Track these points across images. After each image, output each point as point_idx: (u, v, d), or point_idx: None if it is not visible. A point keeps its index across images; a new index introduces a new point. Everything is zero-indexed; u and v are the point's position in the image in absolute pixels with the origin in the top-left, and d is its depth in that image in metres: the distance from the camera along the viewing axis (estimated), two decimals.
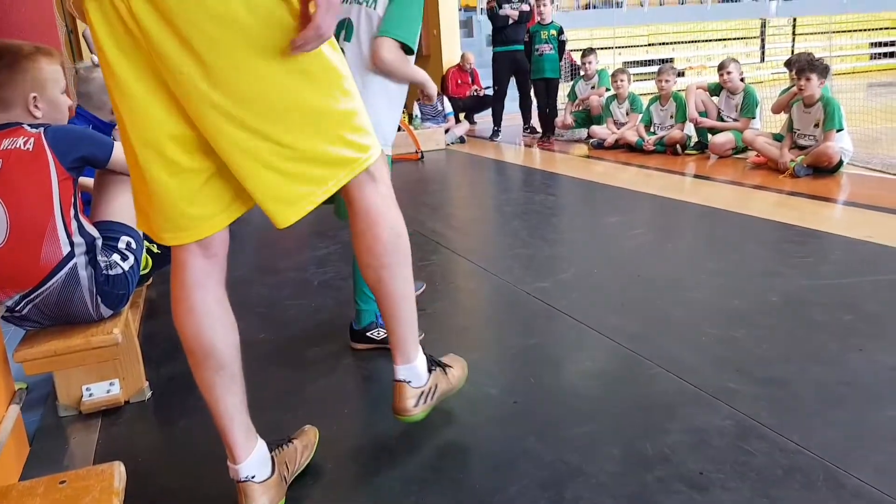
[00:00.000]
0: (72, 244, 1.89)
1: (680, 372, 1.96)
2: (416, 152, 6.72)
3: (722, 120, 5.48)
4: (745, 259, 3.04)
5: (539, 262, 3.16)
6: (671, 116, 5.77)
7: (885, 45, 14.12)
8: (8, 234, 1.80)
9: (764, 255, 3.13)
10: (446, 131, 7.56)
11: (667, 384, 1.92)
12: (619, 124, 6.32)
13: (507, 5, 7.07)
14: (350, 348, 2.30)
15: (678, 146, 5.63)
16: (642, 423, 1.73)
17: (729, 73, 5.35)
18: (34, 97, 1.93)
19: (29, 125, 1.89)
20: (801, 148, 4.58)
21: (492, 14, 7.26)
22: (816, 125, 4.50)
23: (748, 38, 13.58)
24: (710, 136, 5.50)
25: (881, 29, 14.26)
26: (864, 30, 13.98)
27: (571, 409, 1.85)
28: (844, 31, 13.66)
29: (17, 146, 1.83)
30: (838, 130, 4.36)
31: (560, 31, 6.69)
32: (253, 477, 1.42)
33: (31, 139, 1.84)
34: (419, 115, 7.75)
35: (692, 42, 13.03)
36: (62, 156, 1.85)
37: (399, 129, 6.94)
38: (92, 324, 1.99)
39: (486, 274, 3.05)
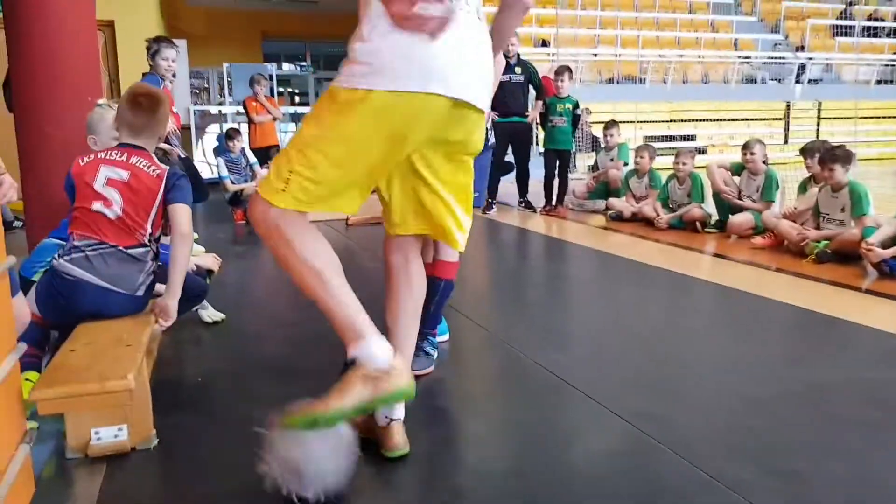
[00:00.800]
0: (150, 242, 2.48)
1: (693, 459, 1.89)
2: None
3: (741, 199, 5.48)
4: (766, 344, 2.97)
5: (552, 333, 3.12)
6: (688, 195, 5.78)
7: None
8: (120, 215, 2.42)
9: (785, 340, 3.07)
10: None
11: (679, 470, 1.85)
12: (638, 198, 6.35)
13: (510, 75, 6.69)
14: None
15: (698, 223, 5.62)
16: None
17: (753, 153, 5.37)
18: (159, 137, 2.67)
19: (157, 157, 2.55)
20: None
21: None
22: (843, 210, 4.46)
23: (772, 119, 13.73)
24: (730, 215, 5.48)
25: None
26: (890, 116, 14.12)
27: (577, 490, 1.78)
28: (869, 118, 13.81)
29: (142, 167, 2.47)
30: (867, 215, 4.31)
31: (576, 106, 6.80)
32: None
33: (158, 170, 2.48)
34: None
35: (715, 120, 13.20)
36: (167, 193, 2.49)
37: None
38: (121, 312, 2.40)
39: (498, 342, 3.01)
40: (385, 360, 1.74)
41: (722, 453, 1.93)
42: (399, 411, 1.95)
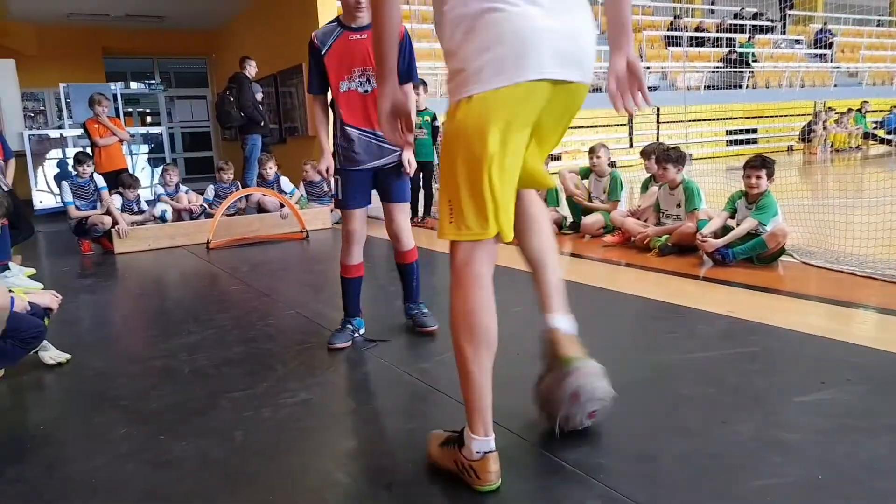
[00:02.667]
0: None
1: (554, 450, 1.98)
2: (302, 231, 6.65)
3: (591, 201, 5.83)
4: (617, 334, 3.16)
5: (421, 342, 3.15)
6: (544, 200, 6.05)
7: (738, 132, 15.75)
8: None
9: (634, 330, 3.28)
10: (332, 210, 7.55)
11: (542, 462, 1.93)
12: None
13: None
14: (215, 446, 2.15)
15: (554, 226, 5.90)
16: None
17: (598, 157, 5.74)
18: None
19: None
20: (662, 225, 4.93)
21: None
22: (679, 205, 4.87)
23: (617, 125, 14.71)
24: (582, 217, 5.81)
25: (733, 118, 15.96)
26: (718, 119, 15.60)
27: (448, 492, 1.80)
28: (701, 120, 15.17)
29: None
30: (698, 210, 4.72)
31: (433, 118, 6.94)
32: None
33: None
34: (305, 196, 7.71)
35: (593, 127, 13.95)
36: None
37: (281, 205, 6.89)
38: None
39: (368, 355, 2.99)
40: (479, 458, 1.80)
41: (581, 442, 2.03)
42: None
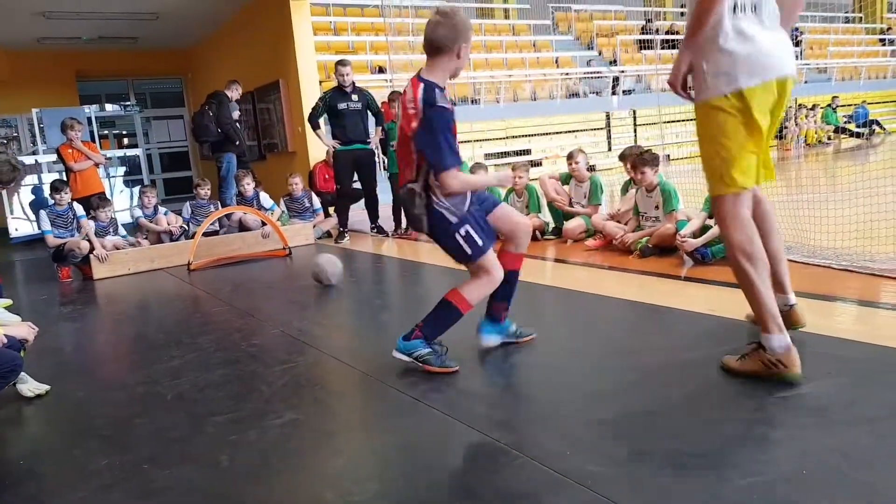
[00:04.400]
0: None
1: (543, 459, 1.97)
2: (284, 248, 6.62)
3: (572, 206, 5.87)
4: (602, 338, 3.18)
5: None
6: (526, 207, 6.10)
7: None
8: None
9: (618, 333, 3.29)
10: (314, 226, 7.53)
11: (532, 472, 1.92)
12: None
13: (347, 103, 6.74)
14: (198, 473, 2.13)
15: (537, 232, 5.92)
16: None
17: (577, 162, 5.78)
18: None
19: None
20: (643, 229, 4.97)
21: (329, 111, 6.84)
22: (657, 207, 4.90)
23: (595, 129, 14.82)
24: (564, 222, 5.84)
25: None
26: (694, 119, 15.75)
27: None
28: (677, 121, 15.32)
29: None
30: (675, 211, 4.77)
31: None
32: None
33: None
34: (286, 212, 7.68)
35: (546, 134, 14.02)
36: None
37: (263, 224, 6.85)
38: None
39: (354, 372, 2.98)
40: (783, 350, 2.35)
41: (569, 449, 2.03)
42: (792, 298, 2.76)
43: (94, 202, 6.74)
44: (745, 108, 2.32)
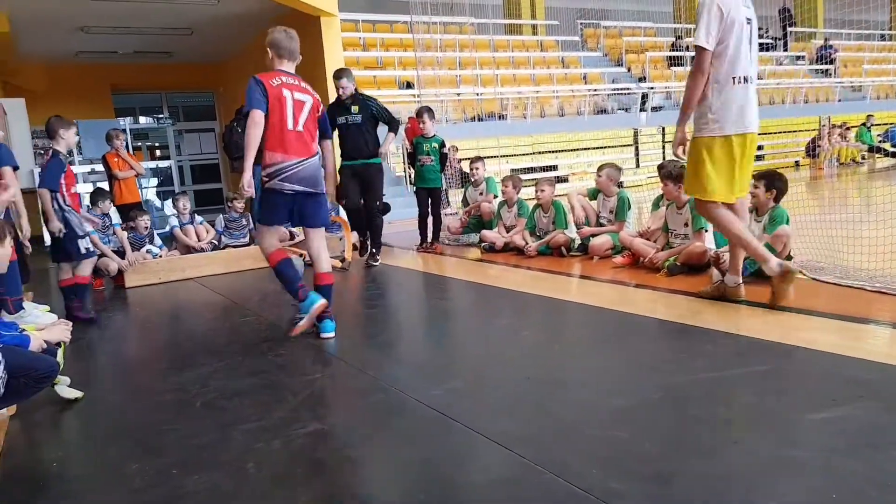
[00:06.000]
0: None
1: (567, 475, 1.97)
2: (302, 256, 6.38)
3: (600, 224, 5.84)
4: (628, 356, 3.16)
5: (431, 369, 3.15)
6: (552, 222, 6.09)
7: None
8: None
9: (644, 351, 3.27)
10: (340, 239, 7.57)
11: (554, 489, 1.91)
12: (508, 228, 6.59)
13: (346, 116, 6.11)
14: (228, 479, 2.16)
15: (563, 248, 5.91)
16: None
17: (599, 176, 5.75)
18: None
19: None
20: (672, 247, 4.92)
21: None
22: (686, 224, 4.85)
23: (623, 145, 14.77)
24: (590, 238, 5.82)
25: None
26: None
27: None
28: None
29: None
30: (705, 230, 4.72)
31: (442, 144, 6.95)
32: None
33: None
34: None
35: (573, 150, 14.01)
36: None
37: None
38: None
39: (378, 384, 2.99)
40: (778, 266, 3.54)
41: (593, 466, 2.03)
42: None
43: (133, 214, 6.90)
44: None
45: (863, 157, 15.92)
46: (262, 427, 2.55)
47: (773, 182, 4.44)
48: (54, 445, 2.70)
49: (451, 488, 2.02)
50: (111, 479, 2.22)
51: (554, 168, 13.28)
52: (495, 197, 7.15)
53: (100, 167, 9.33)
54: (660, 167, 5.48)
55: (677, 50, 17.43)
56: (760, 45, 19.08)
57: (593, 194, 6.01)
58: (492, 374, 3.00)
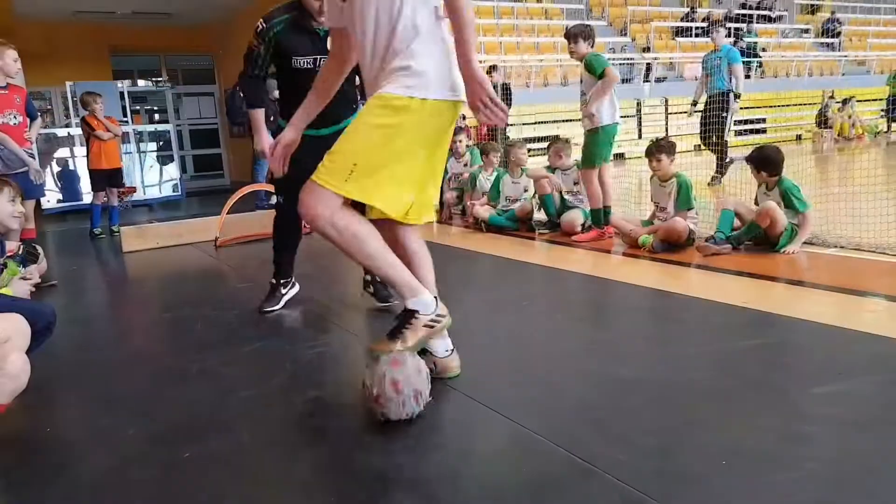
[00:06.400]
0: None
1: (571, 447, 1.93)
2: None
3: (564, 199, 5.79)
4: (633, 328, 3.12)
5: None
6: (525, 190, 6.09)
7: (748, 122, 15.53)
8: None
9: (648, 322, 3.23)
10: None
11: (558, 460, 1.88)
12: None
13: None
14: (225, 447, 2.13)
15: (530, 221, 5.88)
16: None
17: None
18: None
19: None
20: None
21: None
22: (670, 195, 4.68)
23: (625, 116, 14.59)
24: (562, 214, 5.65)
25: (742, 108, 15.74)
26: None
27: (467, 491, 1.77)
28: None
29: None
30: (689, 209, 4.58)
31: None
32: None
33: None
34: None
35: (577, 120, 13.81)
36: None
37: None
38: None
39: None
40: (433, 306, 2.35)
41: (597, 438, 1.99)
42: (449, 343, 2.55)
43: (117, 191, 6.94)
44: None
45: (875, 135, 15.66)
46: (259, 394, 2.52)
47: (761, 162, 4.39)
48: (49, 410, 2.66)
49: (452, 457, 2.00)
50: (106, 444, 2.18)
51: (556, 138, 13.12)
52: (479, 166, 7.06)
53: None
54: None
55: (690, 21, 17.13)
56: (766, 17, 18.73)
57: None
58: (494, 344, 2.96)
